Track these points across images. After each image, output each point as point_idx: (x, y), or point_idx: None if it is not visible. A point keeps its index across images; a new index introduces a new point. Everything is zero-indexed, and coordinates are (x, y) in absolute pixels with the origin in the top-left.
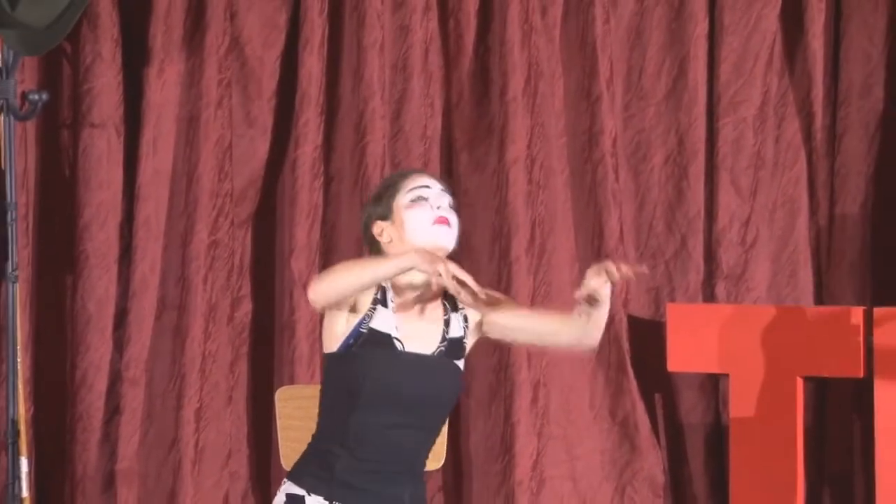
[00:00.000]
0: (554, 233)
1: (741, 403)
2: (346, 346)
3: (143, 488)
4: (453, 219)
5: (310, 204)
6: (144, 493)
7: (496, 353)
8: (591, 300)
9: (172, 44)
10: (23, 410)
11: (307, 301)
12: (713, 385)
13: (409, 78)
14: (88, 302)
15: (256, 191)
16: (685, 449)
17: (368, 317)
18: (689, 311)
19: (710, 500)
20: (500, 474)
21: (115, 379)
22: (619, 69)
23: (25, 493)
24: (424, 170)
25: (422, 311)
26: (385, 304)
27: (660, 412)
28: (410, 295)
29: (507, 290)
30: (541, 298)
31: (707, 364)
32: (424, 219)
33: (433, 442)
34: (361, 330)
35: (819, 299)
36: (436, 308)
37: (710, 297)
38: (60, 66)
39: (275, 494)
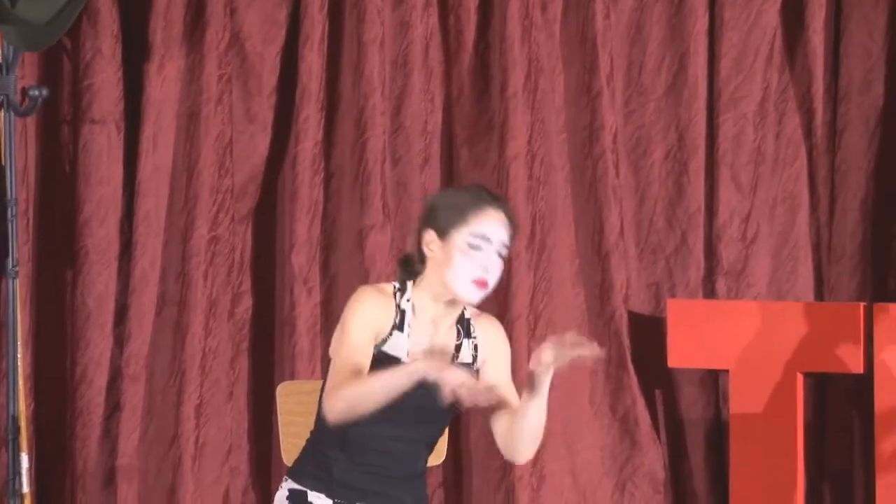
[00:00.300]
0: (554, 228)
1: (741, 399)
2: None
3: (143, 484)
4: (494, 278)
5: (310, 200)
6: (145, 489)
7: None
8: (530, 382)
9: (172, 40)
10: (23, 406)
11: (307, 297)
12: (713, 381)
13: (410, 74)
14: (88, 298)
15: (257, 187)
16: (685, 445)
17: (384, 341)
18: (689, 307)
19: (710, 496)
20: (500, 470)
21: (116, 375)
22: (620, 65)
23: (26, 488)
24: (501, 200)
25: (435, 333)
26: (402, 330)
27: (660, 408)
28: (428, 319)
29: (507, 285)
30: (541, 294)
31: (707, 360)
32: (468, 273)
33: (433, 449)
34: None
35: (819, 295)
36: (450, 331)
37: (710, 292)
38: (60, 62)
39: (275, 490)
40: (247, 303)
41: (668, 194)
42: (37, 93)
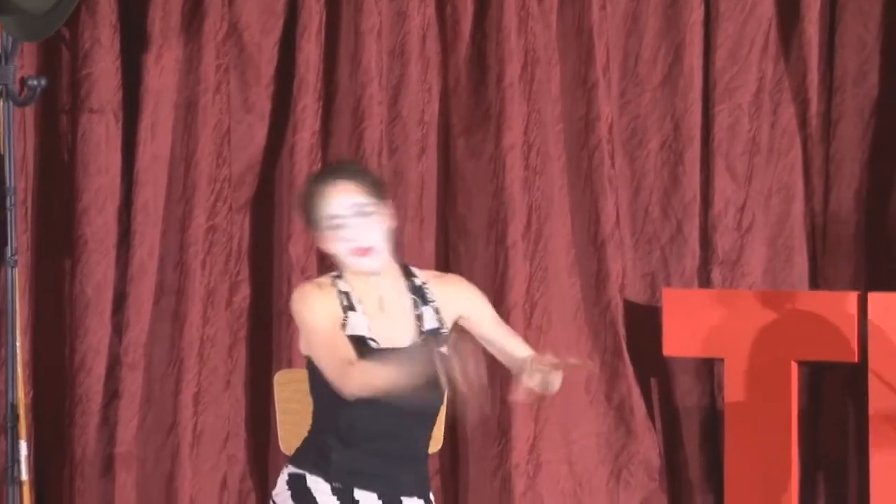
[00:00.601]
0: (550, 218)
1: (736, 388)
2: None
3: (141, 472)
4: (371, 239)
5: None
6: (143, 477)
7: None
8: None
9: (171, 30)
10: (22, 394)
11: None
12: (708, 369)
13: (407, 64)
14: (87, 286)
15: (254, 176)
16: (681, 433)
17: (343, 324)
18: (684, 296)
19: (705, 484)
20: (496, 458)
21: (114, 363)
22: (616, 56)
23: (25, 476)
24: (338, 169)
25: (390, 308)
26: (353, 308)
27: (655, 396)
28: (373, 294)
29: (503, 274)
30: (537, 284)
31: (702, 348)
32: (343, 250)
33: (431, 425)
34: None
35: (814, 284)
36: (404, 303)
37: (705, 282)
38: (59, 51)
39: (273, 477)
40: (244, 292)
41: (663, 184)
42: (35, 82)
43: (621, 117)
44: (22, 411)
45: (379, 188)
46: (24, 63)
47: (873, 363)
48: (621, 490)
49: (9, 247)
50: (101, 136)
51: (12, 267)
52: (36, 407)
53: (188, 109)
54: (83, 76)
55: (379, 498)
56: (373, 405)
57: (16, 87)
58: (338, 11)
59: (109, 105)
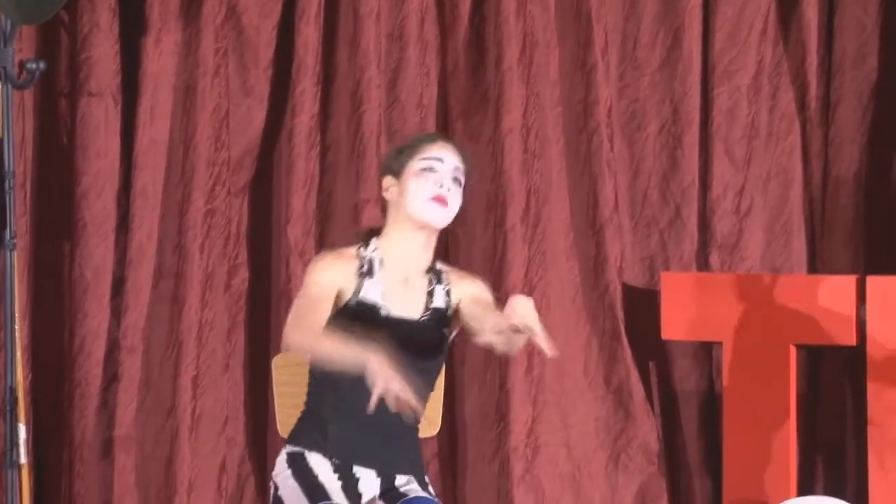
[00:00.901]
0: (549, 202)
1: (735, 371)
2: (334, 317)
3: (140, 455)
4: (453, 199)
5: (306, 173)
6: (142, 460)
7: None
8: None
9: (169, 13)
10: (21, 378)
11: (303, 269)
12: (707, 353)
13: (405, 47)
14: (86, 270)
15: (253, 160)
16: (679, 416)
17: (357, 290)
18: (683, 280)
19: (703, 467)
20: (494, 441)
21: (113, 346)
22: (614, 39)
23: (24, 459)
24: (449, 139)
25: (407, 281)
26: (371, 275)
27: (654, 380)
28: (400, 264)
29: (502, 258)
30: (535, 267)
31: (701, 332)
32: (424, 192)
33: (424, 401)
34: (350, 303)
35: (812, 268)
36: (421, 280)
37: (704, 265)
38: (58, 35)
39: (271, 460)
40: (243, 275)
41: (662, 168)
42: (34, 66)
43: (620, 101)
44: (21, 395)
45: (469, 176)
46: (23, 46)
47: (871, 346)
48: (619, 474)
49: (7, 230)
50: (99, 119)
51: (11, 250)
52: (35, 390)
53: (187, 93)
54: (82, 59)
55: (377, 476)
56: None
57: (14, 71)
58: None
59: (108, 88)
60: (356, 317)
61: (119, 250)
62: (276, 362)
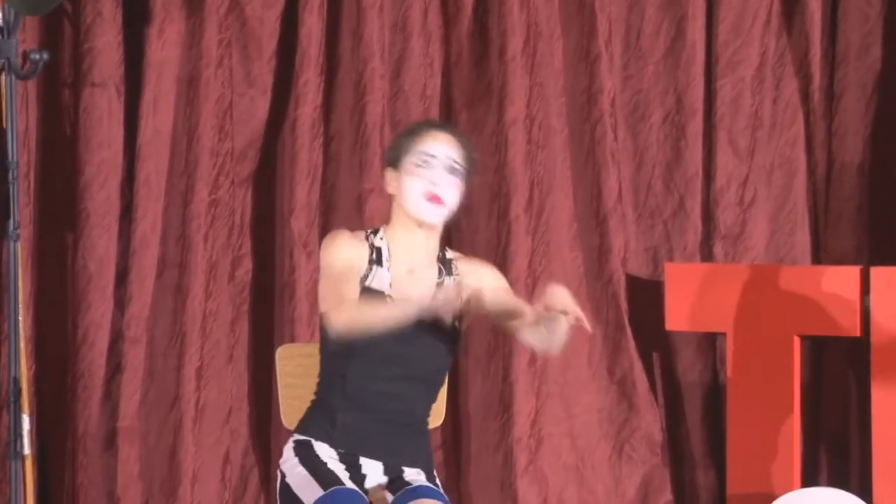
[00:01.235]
0: (553, 192)
1: (738, 362)
2: None
3: (144, 446)
4: (449, 194)
5: (310, 163)
6: (145, 451)
7: None
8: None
9: (173, 3)
10: (24, 368)
11: (307, 260)
12: (710, 344)
13: (409, 38)
14: (89, 261)
15: (256, 150)
16: (683, 407)
17: (365, 277)
18: (686, 271)
19: (707, 458)
20: (498, 432)
21: (117, 337)
22: (618, 29)
23: (27, 450)
24: (447, 126)
25: (413, 272)
26: (381, 264)
27: (657, 371)
28: (406, 256)
29: (505, 249)
30: (539, 258)
31: (705, 323)
32: (418, 190)
33: (434, 395)
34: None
35: (816, 259)
36: (431, 270)
37: (707, 256)
38: (61, 25)
39: (276, 452)
40: (247, 266)
41: (665, 158)
42: (38, 56)
43: (624, 91)
44: (24, 386)
45: (471, 163)
46: (27, 37)
47: (875, 338)
48: (623, 464)
49: (11, 221)
50: (103, 110)
51: (14, 241)
52: (38, 381)
53: (190, 84)
54: (85, 50)
55: (384, 470)
56: (378, 363)
57: (18, 61)
58: None
59: (111, 79)
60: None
61: (122, 241)
62: (280, 353)
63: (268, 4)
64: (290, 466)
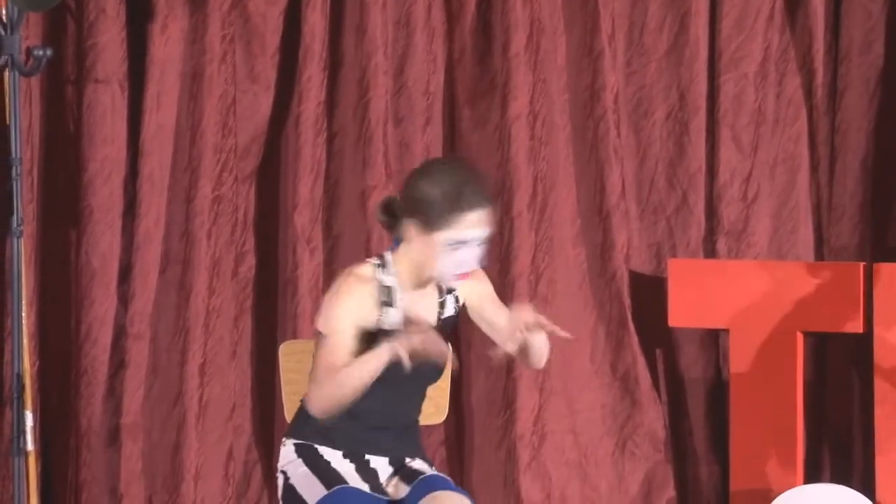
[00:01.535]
0: (556, 188)
1: (741, 358)
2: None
3: (147, 442)
4: (474, 266)
5: (313, 160)
6: (149, 447)
7: None
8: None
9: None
10: (28, 365)
11: (310, 256)
12: (714, 340)
13: (412, 34)
14: (93, 257)
15: (260, 146)
16: (686, 404)
17: (380, 321)
18: (690, 267)
19: (710, 455)
20: (501, 428)
21: (120, 334)
22: (621, 25)
23: (31, 446)
24: (483, 196)
25: (421, 297)
26: (392, 304)
27: (660, 367)
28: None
29: (509, 244)
30: (542, 254)
31: (708, 319)
32: (449, 267)
33: (424, 398)
34: (370, 330)
35: (819, 255)
36: (432, 291)
37: (710, 252)
38: (65, 21)
39: (279, 448)
40: (250, 262)
41: (668, 154)
42: (41, 52)
43: (627, 87)
44: (28, 382)
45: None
46: (30, 33)
47: (879, 334)
48: (626, 461)
49: (14, 217)
50: (106, 106)
51: (18, 237)
52: (42, 377)
53: (194, 79)
54: (89, 46)
55: (389, 463)
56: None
57: (21, 58)
58: None
59: (115, 75)
60: (374, 339)
61: (126, 237)
62: (284, 349)
63: (271, 1)
64: (293, 468)
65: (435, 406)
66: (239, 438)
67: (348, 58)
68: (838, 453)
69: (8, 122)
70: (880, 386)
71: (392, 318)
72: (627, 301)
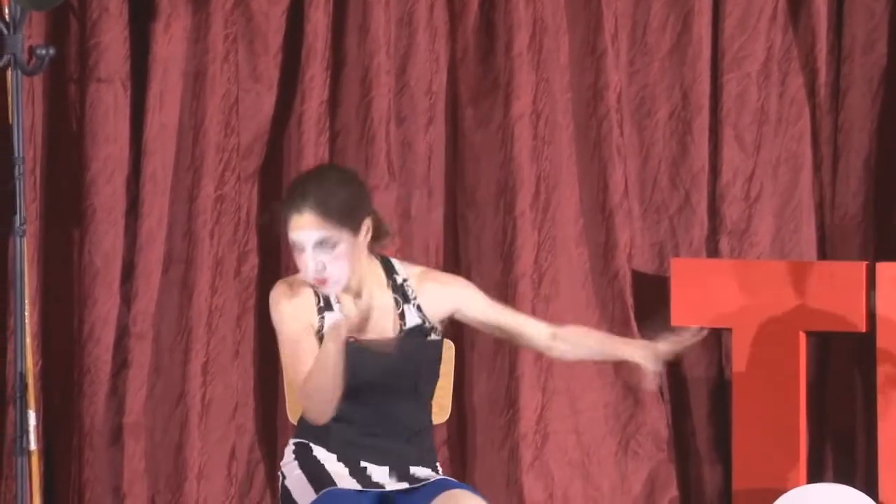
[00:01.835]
0: (559, 187)
1: (744, 358)
2: None
3: (150, 441)
4: (332, 273)
5: (315, 159)
6: (151, 447)
7: None
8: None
9: None
10: (31, 364)
11: None
12: (716, 340)
13: (415, 33)
14: (96, 256)
15: (262, 145)
16: (688, 403)
17: (320, 329)
18: (692, 266)
19: (713, 454)
20: (504, 428)
21: (123, 333)
22: (624, 24)
23: (33, 446)
24: (307, 197)
25: (370, 303)
26: (330, 308)
27: (663, 366)
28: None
29: (512, 243)
30: (545, 254)
31: (710, 319)
32: (305, 272)
33: (429, 401)
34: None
35: (822, 254)
36: (387, 301)
37: (713, 252)
38: (67, 20)
39: (282, 448)
40: (253, 261)
41: (671, 154)
42: (44, 52)
43: (630, 86)
44: (31, 381)
45: (349, 214)
46: (33, 32)
47: (881, 333)
48: (629, 460)
49: (17, 216)
50: (109, 105)
51: (21, 236)
52: (45, 377)
53: (196, 79)
54: (91, 45)
55: (390, 471)
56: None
57: (24, 57)
58: None
59: (118, 74)
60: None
61: (129, 236)
62: None
63: (273, 0)
64: (290, 469)
65: (438, 405)
66: (242, 438)
67: (351, 57)
68: (841, 453)
69: (11, 121)
70: (883, 385)
71: (331, 322)
72: (630, 300)
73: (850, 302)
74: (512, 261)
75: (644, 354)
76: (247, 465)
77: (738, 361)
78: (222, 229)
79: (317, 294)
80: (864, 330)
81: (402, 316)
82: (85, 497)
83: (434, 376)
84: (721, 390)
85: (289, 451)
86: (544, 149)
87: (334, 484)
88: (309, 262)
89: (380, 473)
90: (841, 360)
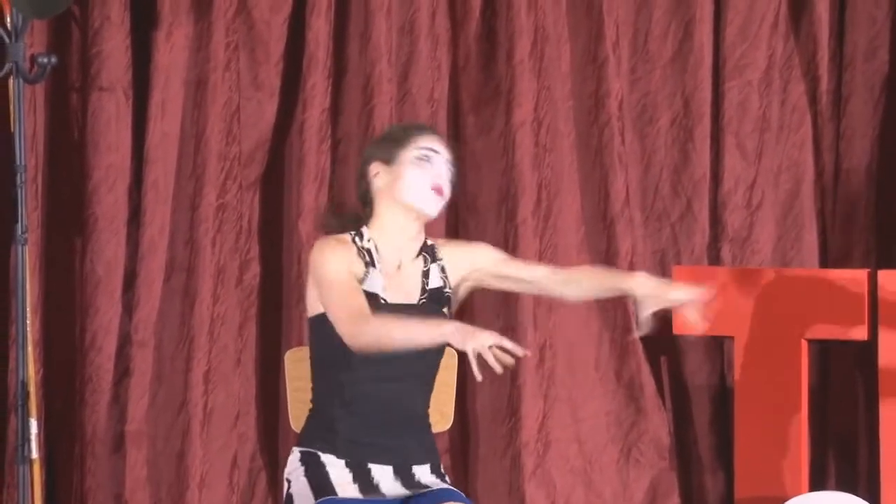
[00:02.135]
0: (560, 195)
1: (746, 365)
2: None
3: (151, 450)
4: (448, 190)
5: (317, 167)
6: (153, 455)
7: (501, 316)
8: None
9: (180, 7)
10: (32, 372)
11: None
12: (718, 347)
13: (416, 41)
14: (97, 264)
15: (264, 154)
16: (690, 411)
17: (362, 280)
18: (694, 274)
19: (715, 462)
20: (506, 436)
21: (125, 341)
22: (626, 32)
23: (35, 454)
24: (436, 130)
25: (400, 267)
26: (374, 265)
27: (665, 374)
28: (393, 254)
29: (513, 251)
30: (547, 261)
31: (712, 326)
32: (423, 181)
33: (430, 390)
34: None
35: (824, 262)
36: (417, 260)
37: (715, 259)
38: (69, 29)
39: (284, 456)
40: (255, 269)
41: (673, 161)
42: (45, 60)
43: (631, 94)
44: (32, 389)
45: (456, 168)
46: (34, 41)
47: (883, 341)
48: (631, 468)
49: (19, 225)
50: (111, 113)
51: (23, 245)
52: (46, 385)
53: (198, 87)
54: (93, 54)
55: (394, 472)
56: (373, 366)
57: (26, 65)
58: None
59: (119, 83)
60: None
61: (130, 245)
62: (289, 356)
63: (275, 8)
64: (296, 477)
65: (440, 413)
66: (243, 446)
67: (352, 65)
68: (843, 460)
69: (13, 130)
70: (885, 393)
71: (375, 280)
72: (632, 308)
73: (851, 309)
74: None
75: (644, 292)
76: (248, 473)
77: (740, 369)
78: (224, 238)
79: (360, 250)
80: (865, 338)
81: (426, 275)
82: None
83: (438, 358)
84: (723, 398)
85: (294, 459)
86: (546, 156)
87: (335, 493)
88: (442, 167)
89: (384, 475)
90: (843, 367)
